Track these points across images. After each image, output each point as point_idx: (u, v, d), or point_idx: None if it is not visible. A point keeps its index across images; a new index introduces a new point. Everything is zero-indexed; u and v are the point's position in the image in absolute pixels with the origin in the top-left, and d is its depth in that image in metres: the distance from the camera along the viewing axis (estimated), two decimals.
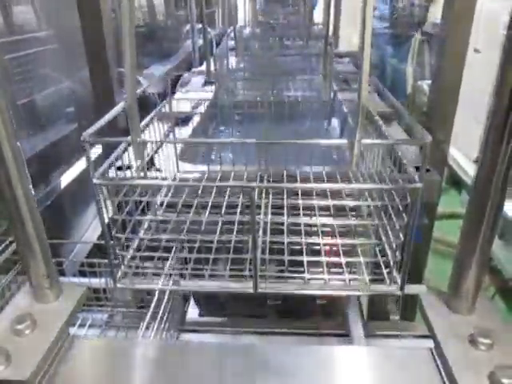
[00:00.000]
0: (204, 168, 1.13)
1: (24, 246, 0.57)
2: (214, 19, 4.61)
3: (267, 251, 0.77)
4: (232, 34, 2.39)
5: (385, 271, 0.71)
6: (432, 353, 0.58)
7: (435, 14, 3.85)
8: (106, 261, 1.03)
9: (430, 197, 1.07)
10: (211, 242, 0.78)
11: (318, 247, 0.79)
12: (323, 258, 0.77)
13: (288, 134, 1.67)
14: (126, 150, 0.81)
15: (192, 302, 1.45)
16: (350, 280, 0.72)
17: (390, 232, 0.72)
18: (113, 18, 2.45)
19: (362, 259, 0.75)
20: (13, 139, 0.53)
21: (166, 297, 0.98)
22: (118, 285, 0.73)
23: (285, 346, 0.64)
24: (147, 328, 1.08)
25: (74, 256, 1.28)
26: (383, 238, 0.75)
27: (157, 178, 1.02)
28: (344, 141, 0.64)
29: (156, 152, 1.25)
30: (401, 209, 0.65)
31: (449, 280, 0.61)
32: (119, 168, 1.11)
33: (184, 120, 1.49)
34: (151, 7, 3.58)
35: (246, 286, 0.70)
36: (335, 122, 1.74)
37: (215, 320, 1.29)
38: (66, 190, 1.42)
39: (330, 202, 0.83)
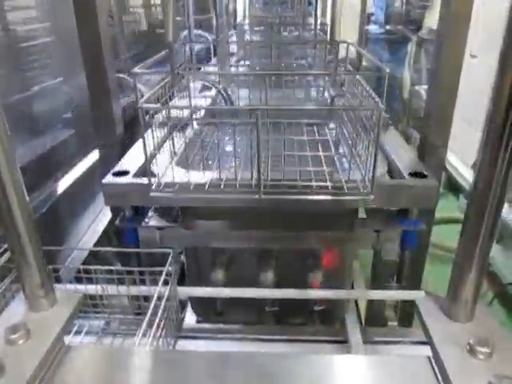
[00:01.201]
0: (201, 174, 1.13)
1: (18, 254, 0.56)
2: (211, 25, 4.62)
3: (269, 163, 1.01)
4: (230, 39, 2.40)
5: (359, 183, 0.95)
6: (430, 361, 0.57)
7: (431, 19, 3.88)
8: (103, 267, 1.03)
9: (427, 202, 1.06)
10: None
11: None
12: (310, 168, 1.04)
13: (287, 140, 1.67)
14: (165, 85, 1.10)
15: (189, 308, 1.44)
16: (331, 187, 0.94)
17: (361, 150, 0.97)
18: (110, 23, 2.46)
19: (339, 167, 1.08)
20: (7, 146, 0.52)
21: (163, 303, 0.98)
22: (151, 194, 0.94)
23: (283, 355, 0.63)
24: (144, 335, 1.06)
25: (70, 262, 1.28)
26: (354, 152, 0.99)
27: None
28: (326, 72, 1.04)
29: (153, 158, 1.25)
30: (367, 127, 0.88)
31: (447, 287, 0.61)
32: (116, 174, 1.11)
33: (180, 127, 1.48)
34: (148, 13, 3.60)
35: (253, 193, 0.91)
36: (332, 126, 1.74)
37: (212, 327, 1.29)
38: (63, 196, 1.41)
39: (314, 121, 1.22)
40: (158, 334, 1.05)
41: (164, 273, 0.97)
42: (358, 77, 1.05)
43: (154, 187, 0.95)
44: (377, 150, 0.85)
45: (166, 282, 1.02)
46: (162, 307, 0.96)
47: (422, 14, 4.20)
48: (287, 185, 0.94)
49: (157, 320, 1.04)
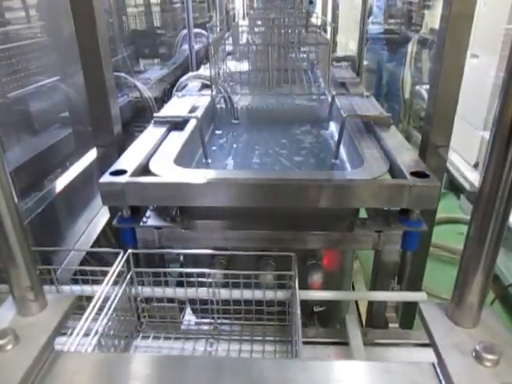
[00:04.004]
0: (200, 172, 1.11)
1: (5, 256, 0.54)
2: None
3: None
4: (229, 38, 2.38)
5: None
6: (435, 368, 0.55)
7: (432, 18, 3.86)
8: (101, 268, 1.01)
9: (428, 202, 1.04)
10: None
11: None
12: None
13: (285, 139, 1.66)
14: None
15: (188, 310, 1.42)
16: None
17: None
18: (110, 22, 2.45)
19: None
20: None
21: (110, 303, 0.95)
22: (214, 92, 1.61)
23: (282, 361, 0.61)
24: (143, 337, 1.04)
25: (67, 264, 1.26)
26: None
27: None
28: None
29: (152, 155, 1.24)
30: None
31: (452, 291, 0.59)
32: (114, 173, 1.10)
33: (179, 125, 1.47)
34: (148, 12, 3.58)
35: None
36: (333, 126, 1.72)
37: (211, 328, 1.27)
38: (60, 196, 1.39)
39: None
40: (158, 335, 1.03)
41: (293, 277, 0.96)
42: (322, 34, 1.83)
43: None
44: (329, 70, 1.51)
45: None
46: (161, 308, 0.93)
47: (421, 13, 4.18)
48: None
49: (156, 321, 1.02)
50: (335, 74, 2.06)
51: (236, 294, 1.00)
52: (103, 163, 1.36)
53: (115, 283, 0.91)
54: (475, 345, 0.53)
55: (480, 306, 0.56)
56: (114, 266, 0.92)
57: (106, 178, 1.08)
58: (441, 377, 0.53)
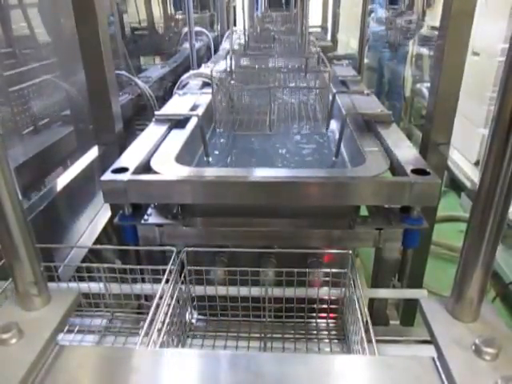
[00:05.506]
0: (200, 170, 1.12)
1: (9, 252, 0.54)
2: (212, 22, 4.61)
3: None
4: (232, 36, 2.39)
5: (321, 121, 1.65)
6: (435, 362, 0.55)
7: (433, 17, 3.86)
8: (104, 265, 1.01)
9: (429, 200, 1.05)
10: None
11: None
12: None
13: (287, 137, 1.66)
14: None
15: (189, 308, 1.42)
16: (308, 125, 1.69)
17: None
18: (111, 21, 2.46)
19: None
20: None
21: (166, 301, 0.96)
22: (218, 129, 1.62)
23: (283, 355, 0.62)
24: (146, 334, 1.04)
25: (70, 260, 1.26)
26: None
27: None
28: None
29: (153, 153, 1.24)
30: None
31: (452, 286, 0.59)
32: (115, 171, 1.10)
33: (180, 123, 1.47)
34: (149, 10, 3.59)
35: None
36: (334, 124, 1.73)
37: (212, 325, 1.27)
38: (61, 194, 1.40)
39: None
40: (161, 332, 1.03)
41: (348, 274, 0.98)
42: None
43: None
44: (328, 106, 1.54)
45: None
46: (164, 305, 0.93)
47: (422, 11, 4.18)
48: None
49: (159, 319, 1.03)
50: (336, 72, 2.06)
51: (289, 291, 1.00)
52: (105, 161, 1.36)
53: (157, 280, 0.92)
54: (475, 339, 0.54)
55: (479, 300, 0.57)
56: (170, 264, 0.92)
57: (108, 175, 1.08)
58: (441, 371, 0.54)
